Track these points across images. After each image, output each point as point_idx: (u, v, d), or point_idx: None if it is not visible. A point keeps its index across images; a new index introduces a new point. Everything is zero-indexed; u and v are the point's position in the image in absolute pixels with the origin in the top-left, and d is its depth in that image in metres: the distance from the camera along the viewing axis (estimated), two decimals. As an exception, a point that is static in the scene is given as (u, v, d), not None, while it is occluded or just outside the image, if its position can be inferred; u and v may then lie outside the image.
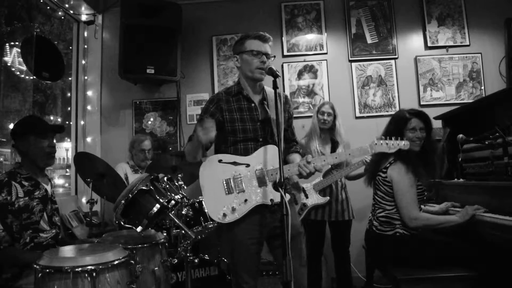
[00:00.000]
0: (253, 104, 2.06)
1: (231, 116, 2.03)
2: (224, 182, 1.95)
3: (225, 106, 2.05)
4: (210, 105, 2.07)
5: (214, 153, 2.07)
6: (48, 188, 2.23)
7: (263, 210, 1.94)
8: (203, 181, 1.99)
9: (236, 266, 1.99)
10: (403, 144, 2.08)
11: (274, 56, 2.05)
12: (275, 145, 1.97)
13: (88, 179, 2.77)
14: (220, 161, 1.99)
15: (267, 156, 1.96)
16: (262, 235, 1.97)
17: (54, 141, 2.24)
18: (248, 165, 1.97)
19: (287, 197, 1.92)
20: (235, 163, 1.97)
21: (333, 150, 3.21)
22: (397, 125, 2.45)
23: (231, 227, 1.96)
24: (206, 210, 2.02)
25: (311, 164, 1.89)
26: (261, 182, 1.94)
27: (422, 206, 2.66)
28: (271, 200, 1.88)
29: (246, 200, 1.92)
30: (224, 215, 1.92)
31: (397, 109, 3.91)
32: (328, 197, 3.11)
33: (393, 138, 2.05)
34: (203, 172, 1.99)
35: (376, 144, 2.01)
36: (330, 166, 3.09)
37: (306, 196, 3.10)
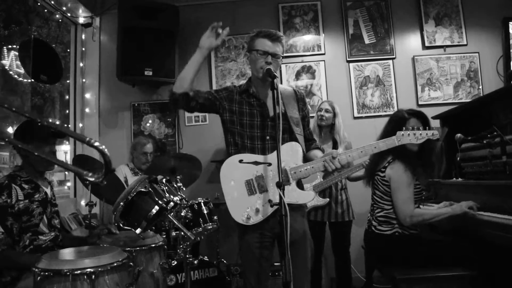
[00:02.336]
0: (259, 102, 2.02)
1: (240, 109, 2.00)
2: (246, 183, 1.88)
3: (237, 97, 2.03)
4: (223, 90, 2.06)
5: (226, 156, 2.00)
6: (48, 191, 2.25)
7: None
8: (224, 183, 1.91)
9: (243, 267, 1.99)
10: (432, 134, 1.99)
11: (282, 57, 1.99)
12: (297, 142, 1.93)
13: (87, 182, 2.76)
14: (240, 161, 1.91)
15: (289, 154, 1.89)
16: (268, 238, 1.92)
17: (55, 146, 2.25)
18: (269, 164, 1.89)
19: (312, 194, 1.92)
20: (256, 163, 1.89)
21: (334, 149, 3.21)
22: (396, 125, 2.44)
23: (242, 228, 1.92)
24: (230, 213, 1.92)
25: (337, 160, 1.83)
26: (284, 180, 1.82)
27: (421, 206, 2.66)
28: (269, 201, 1.83)
29: (270, 201, 1.83)
30: (248, 217, 1.85)
31: (395, 109, 3.92)
32: (328, 199, 3.11)
33: (420, 128, 1.98)
34: (223, 173, 1.92)
35: (403, 135, 1.94)
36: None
37: None
